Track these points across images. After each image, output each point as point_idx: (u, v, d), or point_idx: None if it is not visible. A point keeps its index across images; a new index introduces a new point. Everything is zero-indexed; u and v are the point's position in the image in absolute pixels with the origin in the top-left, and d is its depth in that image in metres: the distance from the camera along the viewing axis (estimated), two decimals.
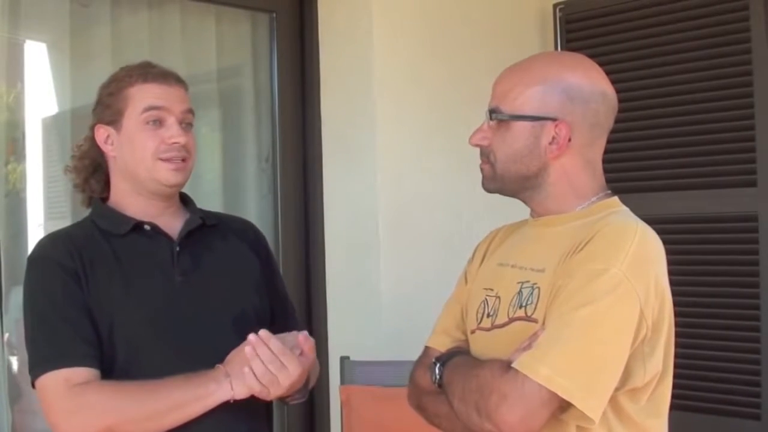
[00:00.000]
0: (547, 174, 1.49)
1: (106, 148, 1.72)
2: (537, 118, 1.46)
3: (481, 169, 1.56)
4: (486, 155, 1.54)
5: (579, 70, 1.51)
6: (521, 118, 1.47)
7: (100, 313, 1.61)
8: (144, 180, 1.70)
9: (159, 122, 1.69)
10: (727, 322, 2.85)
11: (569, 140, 1.47)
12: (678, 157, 2.97)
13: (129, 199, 1.73)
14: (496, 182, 1.53)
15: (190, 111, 1.74)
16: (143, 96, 1.69)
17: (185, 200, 1.83)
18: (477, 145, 1.55)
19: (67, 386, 1.54)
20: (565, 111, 1.46)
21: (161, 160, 1.68)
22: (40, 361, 1.58)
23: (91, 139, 1.76)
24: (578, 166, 1.50)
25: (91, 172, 1.77)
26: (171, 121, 1.69)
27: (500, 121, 1.49)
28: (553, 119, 1.46)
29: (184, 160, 1.71)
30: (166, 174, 1.69)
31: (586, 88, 1.48)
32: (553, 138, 1.46)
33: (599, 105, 1.49)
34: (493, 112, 1.50)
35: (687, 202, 2.96)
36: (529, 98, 1.47)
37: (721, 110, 2.87)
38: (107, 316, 1.61)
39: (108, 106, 1.70)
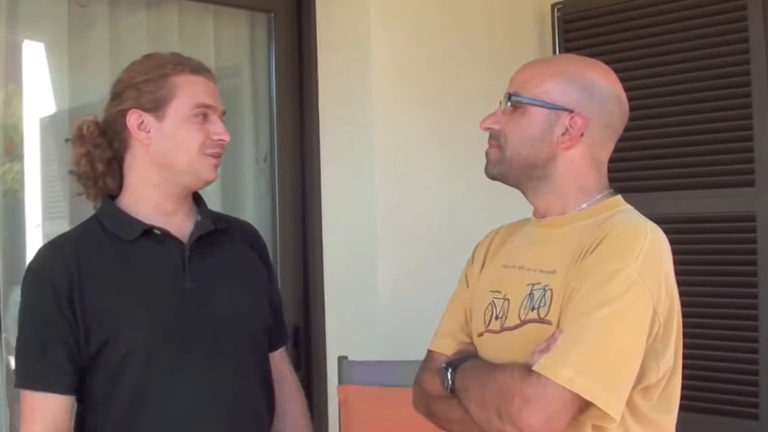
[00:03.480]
0: (555, 165, 1.50)
1: (139, 135, 1.66)
2: (554, 107, 1.48)
3: (487, 153, 1.56)
4: (496, 138, 1.54)
5: (599, 71, 1.54)
6: (539, 104, 1.48)
7: (95, 326, 1.59)
8: (181, 171, 1.68)
9: (204, 117, 1.67)
10: (725, 321, 2.85)
11: (582, 134, 1.48)
12: (676, 157, 2.97)
13: (147, 193, 1.69)
14: (502, 166, 1.53)
15: (224, 112, 1.74)
16: (194, 90, 1.66)
17: (196, 199, 1.80)
18: (488, 129, 1.55)
19: (30, 410, 1.59)
20: (582, 105, 1.48)
21: (206, 155, 1.68)
22: (21, 375, 1.63)
23: (99, 127, 1.70)
24: (586, 162, 1.51)
25: (108, 164, 1.70)
26: (215, 117, 1.69)
27: (516, 107, 1.50)
28: (570, 111, 1.47)
29: (220, 156, 1.71)
30: (208, 170, 1.69)
31: (605, 88, 1.51)
32: (567, 129, 1.48)
33: (614, 107, 1.52)
34: (511, 95, 1.51)
35: (685, 202, 2.96)
36: (549, 88, 1.49)
37: (719, 110, 2.87)
38: (107, 328, 1.59)
39: (148, 92, 1.64)
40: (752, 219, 2.81)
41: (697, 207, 2.93)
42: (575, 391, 1.30)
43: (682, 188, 2.97)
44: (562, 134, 1.48)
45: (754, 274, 2.80)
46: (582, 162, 1.50)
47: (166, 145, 1.66)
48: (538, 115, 1.49)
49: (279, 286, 1.97)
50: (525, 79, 1.52)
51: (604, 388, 1.32)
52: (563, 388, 1.31)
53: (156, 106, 1.65)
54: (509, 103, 1.51)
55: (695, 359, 2.80)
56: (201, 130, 1.66)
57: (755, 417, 2.78)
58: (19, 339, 1.65)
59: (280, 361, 1.92)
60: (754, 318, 2.79)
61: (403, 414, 1.62)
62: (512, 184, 1.55)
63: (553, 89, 1.49)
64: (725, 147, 2.86)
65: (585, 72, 1.52)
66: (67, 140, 1.76)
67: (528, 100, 1.49)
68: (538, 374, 1.33)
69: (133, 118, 1.66)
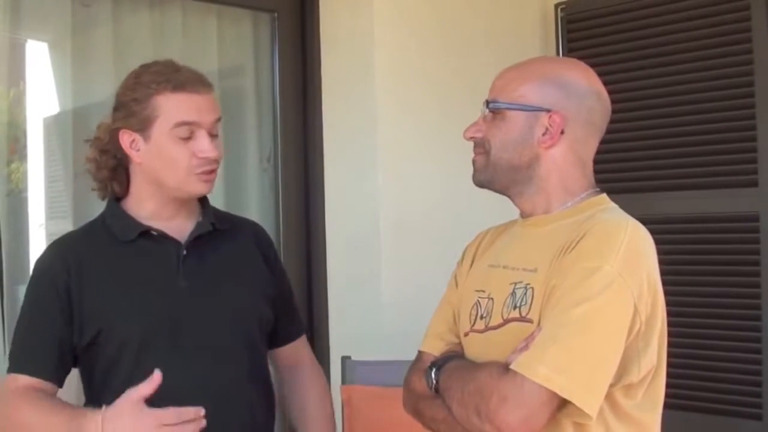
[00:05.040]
0: (539, 166, 1.51)
1: (132, 153, 1.69)
2: (532, 108, 1.49)
3: (474, 162, 1.57)
4: (480, 145, 1.55)
5: (576, 70, 1.54)
6: (517, 108, 1.50)
7: (89, 319, 1.65)
8: (171, 189, 1.71)
9: (190, 134, 1.67)
10: (727, 322, 2.85)
11: (562, 132, 1.48)
12: (679, 157, 2.97)
13: (147, 199, 1.73)
14: (487, 172, 1.54)
15: (219, 119, 1.72)
16: (174, 108, 1.65)
17: (201, 200, 1.82)
18: (471, 138, 1.56)
19: (5, 390, 1.66)
20: (560, 104, 1.48)
21: (195, 174, 1.68)
22: (11, 359, 1.70)
23: (110, 137, 1.74)
24: (570, 161, 1.51)
25: (113, 170, 1.75)
26: (201, 133, 1.67)
27: (496, 113, 1.52)
28: (548, 110, 1.48)
29: (212, 171, 1.71)
30: (198, 186, 1.71)
31: (583, 85, 1.51)
32: (547, 129, 1.49)
33: (594, 103, 1.51)
34: (490, 102, 1.53)
35: (688, 202, 2.96)
36: (526, 91, 1.50)
37: (723, 110, 2.87)
38: (99, 321, 1.64)
39: (134, 114, 1.66)
40: (755, 219, 2.81)
41: (701, 207, 2.93)
42: (552, 389, 1.30)
43: (685, 188, 2.96)
44: (543, 134, 1.49)
45: (757, 274, 2.80)
46: (565, 160, 1.51)
47: (154, 164, 1.69)
48: (517, 118, 1.50)
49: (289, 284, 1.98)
50: (502, 84, 1.54)
51: (582, 386, 1.31)
52: (540, 386, 1.30)
53: (142, 127, 1.67)
54: (488, 110, 1.53)
55: (698, 359, 2.83)
56: (185, 149, 1.66)
57: (758, 417, 2.78)
58: (16, 326, 1.73)
59: (298, 349, 1.96)
60: (757, 318, 2.79)
61: (406, 414, 1.62)
62: (498, 189, 1.56)
63: (530, 91, 1.50)
64: (728, 147, 2.86)
65: (561, 71, 1.53)
66: (86, 141, 1.80)
67: (506, 105, 1.51)
68: (515, 372, 1.33)
69: (125, 138, 1.69)
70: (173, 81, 1.67)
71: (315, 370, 1.99)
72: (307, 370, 1.97)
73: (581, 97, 1.50)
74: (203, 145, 1.67)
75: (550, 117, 1.48)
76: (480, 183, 1.57)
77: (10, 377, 1.67)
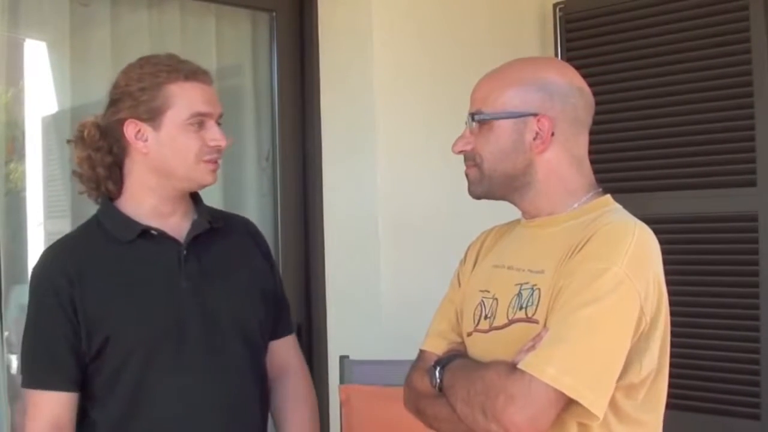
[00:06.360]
0: (534, 171, 1.51)
1: (137, 144, 1.67)
2: (519, 115, 1.48)
3: (467, 175, 1.57)
4: (471, 158, 1.55)
5: (553, 69, 1.55)
6: (503, 117, 1.49)
7: (95, 326, 1.62)
8: (180, 178, 1.69)
9: (200, 124, 1.68)
10: (726, 321, 2.85)
11: (552, 134, 1.48)
12: (677, 157, 2.98)
13: (145, 196, 1.71)
14: (482, 185, 1.54)
15: (222, 114, 1.74)
16: (189, 98, 1.66)
17: (194, 198, 1.81)
18: (461, 152, 1.56)
19: (33, 406, 1.64)
20: (545, 107, 1.48)
21: (203, 161, 1.69)
22: (25, 375, 1.67)
23: (100, 129, 1.71)
24: (565, 161, 1.51)
25: (109, 168, 1.72)
26: (211, 123, 1.69)
27: (482, 124, 1.51)
28: (534, 115, 1.48)
29: (217, 160, 1.72)
30: (206, 175, 1.71)
31: (563, 84, 1.51)
32: (537, 133, 1.48)
33: (577, 100, 1.51)
34: (474, 114, 1.52)
35: (687, 202, 2.96)
36: (509, 98, 1.50)
37: (721, 110, 2.87)
38: (106, 328, 1.62)
39: (143, 102, 1.65)
40: (754, 219, 2.81)
41: (699, 207, 2.94)
42: (560, 389, 1.31)
43: (684, 188, 2.97)
44: (534, 139, 1.49)
45: (756, 273, 2.80)
46: (561, 162, 1.51)
47: (163, 154, 1.67)
48: (505, 127, 1.50)
49: (281, 279, 1.97)
50: (484, 94, 1.53)
51: (589, 386, 1.32)
52: (548, 385, 1.31)
53: (152, 116, 1.66)
54: (474, 123, 1.52)
55: (697, 359, 2.83)
56: (197, 138, 1.67)
57: (756, 417, 2.79)
58: (24, 341, 1.69)
59: (287, 349, 1.91)
60: (756, 318, 2.79)
61: (404, 414, 1.62)
62: (498, 198, 1.56)
63: (513, 98, 1.49)
64: (727, 147, 2.87)
65: (540, 73, 1.52)
66: (68, 141, 1.78)
67: (491, 115, 1.50)
68: (523, 372, 1.33)
69: (130, 129, 1.67)
70: (183, 70, 1.68)
71: (303, 374, 1.93)
72: (294, 376, 1.91)
73: (564, 95, 1.50)
74: (215, 134, 1.69)
75: (538, 121, 1.48)
76: (477, 196, 1.57)
77: (33, 394, 1.64)
